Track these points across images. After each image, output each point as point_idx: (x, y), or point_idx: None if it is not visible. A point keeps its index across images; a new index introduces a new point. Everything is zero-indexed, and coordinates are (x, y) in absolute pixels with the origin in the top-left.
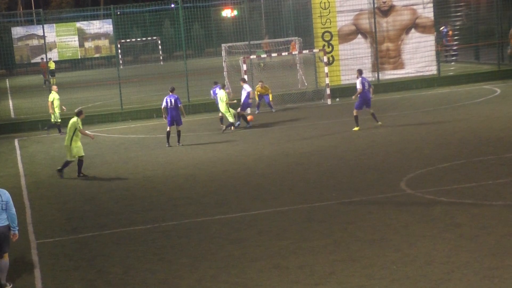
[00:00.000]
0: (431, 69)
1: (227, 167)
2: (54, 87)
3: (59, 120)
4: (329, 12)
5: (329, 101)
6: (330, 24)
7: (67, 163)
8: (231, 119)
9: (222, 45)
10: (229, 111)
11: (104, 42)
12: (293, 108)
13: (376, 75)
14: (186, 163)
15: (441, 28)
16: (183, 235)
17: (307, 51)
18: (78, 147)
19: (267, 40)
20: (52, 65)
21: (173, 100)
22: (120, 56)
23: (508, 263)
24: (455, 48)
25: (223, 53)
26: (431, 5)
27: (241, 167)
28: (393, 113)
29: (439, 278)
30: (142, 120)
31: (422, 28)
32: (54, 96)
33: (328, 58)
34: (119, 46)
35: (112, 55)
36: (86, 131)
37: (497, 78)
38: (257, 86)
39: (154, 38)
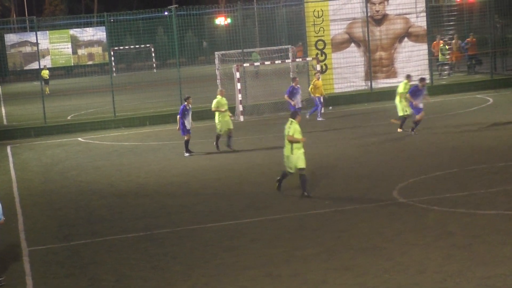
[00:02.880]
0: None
1: (220, 175)
2: None
3: None
4: (323, 21)
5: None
6: (324, 32)
7: None
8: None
9: (216, 53)
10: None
11: (97, 50)
12: (286, 116)
13: (369, 84)
14: (179, 171)
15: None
16: (176, 243)
17: (300, 59)
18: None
19: (299, 48)
20: (45, 73)
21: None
22: (113, 64)
23: (501, 272)
24: (477, 56)
25: (216, 61)
26: (424, 14)
27: (234, 175)
28: (386, 121)
29: (432, 287)
30: (136, 128)
31: (415, 37)
32: None
33: (322, 67)
34: (112, 53)
35: (105, 62)
36: None
37: (490, 87)
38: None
39: (148, 45)
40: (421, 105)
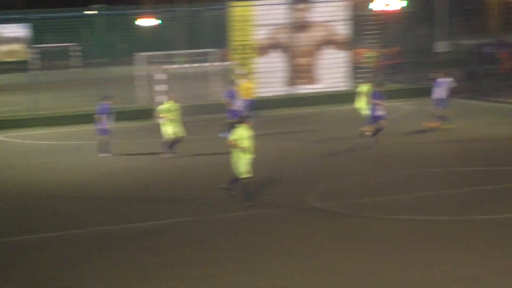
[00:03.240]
0: (344, 85)
1: (138, 175)
2: None
3: None
4: (247, 26)
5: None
6: (248, 37)
7: None
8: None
9: (137, 54)
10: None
11: (18, 47)
12: (210, 119)
13: (290, 89)
14: (96, 172)
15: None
16: (91, 242)
17: (224, 63)
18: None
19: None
20: None
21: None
22: (36, 62)
23: (408, 276)
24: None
25: (138, 62)
26: (347, 22)
27: (152, 177)
28: (305, 127)
29: None
30: (57, 127)
31: (337, 45)
32: None
33: (245, 71)
34: (35, 51)
35: (26, 60)
36: None
37: (409, 96)
38: None
39: (72, 44)
40: (381, 112)
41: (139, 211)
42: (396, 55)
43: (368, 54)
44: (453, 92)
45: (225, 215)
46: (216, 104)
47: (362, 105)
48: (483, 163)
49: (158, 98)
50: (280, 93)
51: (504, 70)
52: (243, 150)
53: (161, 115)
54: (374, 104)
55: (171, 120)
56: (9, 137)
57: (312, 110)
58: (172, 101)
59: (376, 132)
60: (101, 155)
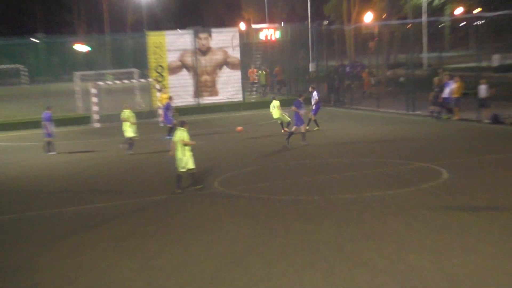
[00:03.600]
0: (238, 97)
1: (79, 169)
2: None
3: None
4: (161, 50)
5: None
6: (162, 59)
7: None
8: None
9: (74, 72)
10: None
11: None
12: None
13: (197, 100)
14: (45, 166)
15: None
16: (42, 223)
17: (143, 80)
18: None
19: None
20: None
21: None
22: None
23: (292, 242)
24: (283, 81)
25: (76, 79)
26: (238, 48)
27: (89, 170)
28: (210, 129)
29: (242, 253)
30: (10, 131)
31: (232, 65)
32: None
33: (160, 86)
34: None
35: None
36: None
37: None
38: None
39: (19, 65)
40: (298, 119)
41: (79, 196)
42: (280, 73)
43: (259, 73)
44: (320, 102)
45: (149, 198)
46: (140, 112)
47: (277, 115)
48: (348, 156)
49: (93, 107)
50: (189, 103)
51: (365, 85)
52: (184, 147)
53: (124, 120)
54: (295, 111)
55: (131, 124)
56: None
57: (214, 116)
58: (129, 109)
59: (290, 135)
60: (48, 153)
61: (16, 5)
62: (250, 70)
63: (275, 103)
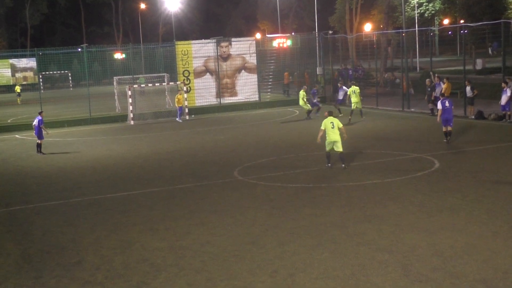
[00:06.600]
0: (255, 97)
1: (117, 161)
2: None
3: None
4: (188, 57)
5: (187, 117)
6: (188, 65)
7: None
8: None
9: (114, 77)
10: None
11: (30, 74)
12: (163, 122)
13: (219, 100)
14: (87, 158)
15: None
16: (85, 208)
17: (172, 82)
18: None
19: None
20: (18, 89)
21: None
22: (41, 84)
23: (303, 224)
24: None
25: (115, 83)
26: (255, 55)
27: (125, 161)
28: (229, 125)
29: (258, 234)
30: (57, 128)
31: (249, 70)
32: None
33: (187, 88)
34: (40, 76)
35: (35, 82)
36: None
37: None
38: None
39: (66, 71)
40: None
41: (116, 185)
42: (287, 77)
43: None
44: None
45: (176, 186)
46: (169, 111)
47: (302, 103)
48: (350, 148)
49: (129, 107)
50: (212, 103)
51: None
52: (338, 132)
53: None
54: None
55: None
56: (23, 136)
57: (234, 114)
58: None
59: (309, 113)
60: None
61: (64, 20)
62: (285, 74)
63: (300, 94)
